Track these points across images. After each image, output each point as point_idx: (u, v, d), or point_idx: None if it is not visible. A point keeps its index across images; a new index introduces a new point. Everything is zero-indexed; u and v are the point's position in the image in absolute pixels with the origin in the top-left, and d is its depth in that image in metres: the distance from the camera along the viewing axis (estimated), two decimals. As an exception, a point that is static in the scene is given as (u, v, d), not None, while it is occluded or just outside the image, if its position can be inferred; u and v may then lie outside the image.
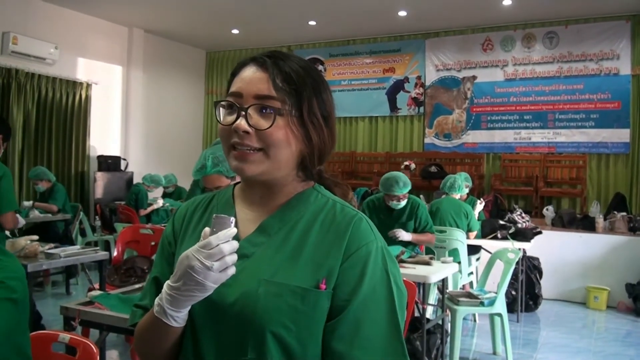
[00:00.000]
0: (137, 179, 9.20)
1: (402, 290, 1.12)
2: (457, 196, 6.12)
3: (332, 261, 1.08)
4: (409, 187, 4.81)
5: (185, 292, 1.02)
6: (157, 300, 1.08)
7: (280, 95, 1.09)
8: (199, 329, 1.11)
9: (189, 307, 1.07)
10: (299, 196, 1.17)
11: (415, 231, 4.94)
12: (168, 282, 1.05)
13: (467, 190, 6.52)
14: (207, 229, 1.03)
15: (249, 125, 1.08)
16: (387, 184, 4.77)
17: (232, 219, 1.03)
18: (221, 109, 1.15)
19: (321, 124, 1.14)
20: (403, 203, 4.84)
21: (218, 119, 1.14)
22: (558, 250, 7.09)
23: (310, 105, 1.12)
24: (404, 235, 4.79)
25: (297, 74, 1.12)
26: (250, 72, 1.12)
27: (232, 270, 1.02)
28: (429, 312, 4.76)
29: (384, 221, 4.90)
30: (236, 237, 1.03)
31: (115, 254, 5.17)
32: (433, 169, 9.22)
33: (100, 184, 9.27)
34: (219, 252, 1.00)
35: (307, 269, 1.08)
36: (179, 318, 1.06)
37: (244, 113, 1.09)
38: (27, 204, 7.06)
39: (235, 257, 1.03)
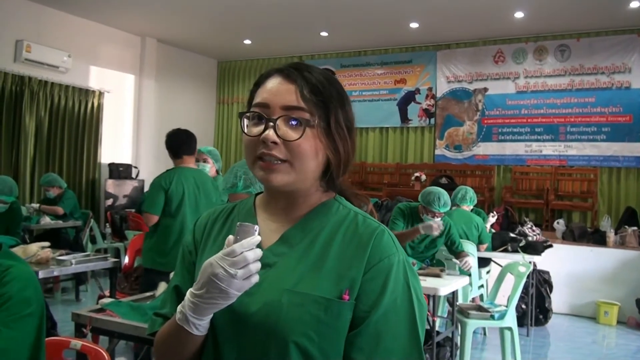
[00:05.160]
0: (147, 187, 9.23)
1: (422, 303, 1.12)
2: (468, 207, 6.08)
3: (354, 272, 1.08)
4: (448, 208, 4.78)
5: (209, 299, 1.02)
6: (179, 307, 1.08)
7: (308, 106, 1.10)
8: (220, 338, 1.11)
9: (211, 315, 1.07)
10: (321, 207, 1.17)
11: (448, 250, 4.99)
12: (191, 289, 1.05)
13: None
14: (231, 237, 1.03)
15: (278, 136, 1.08)
16: (429, 198, 4.70)
17: (256, 227, 1.03)
18: (245, 120, 1.15)
19: (346, 135, 1.14)
20: (437, 220, 4.80)
21: (243, 130, 1.14)
22: (568, 264, 7.05)
23: (337, 116, 1.13)
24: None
25: (323, 86, 1.12)
26: (276, 83, 1.12)
27: (255, 278, 1.02)
28: (439, 325, 4.74)
29: None
30: (259, 246, 1.03)
31: (125, 261, 5.18)
32: (443, 180, 9.19)
33: (111, 191, 9.30)
34: (243, 259, 1.00)
35: (330, 279, 1.08)
36: (201, 326, 1.06)
37: (272, 124, 1.09)
38: (34, 205, 7.13)
39: (259, 265, 1.03)
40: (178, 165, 4.24)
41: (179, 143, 4.28)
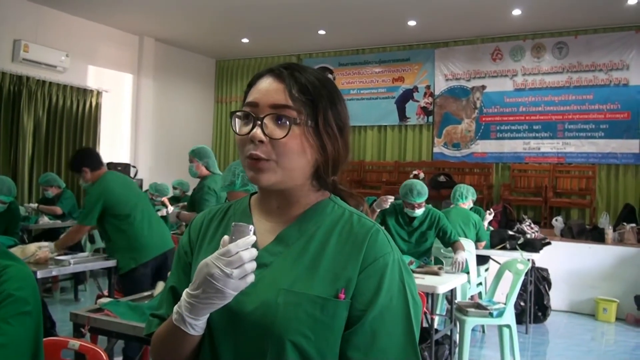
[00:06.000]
0: (146, 187, 9.22)
1: (417, 302, 1.13)
2: (464, 205, 6.09)
3: (349, 272, 1.09)
4: (424, 197, 4.88)
5: (205, 299, 1.02)
6: (175, 308, 1.08)
7: (296, 105, 1.10)
8: (217, 338, 1.11)
9: (208, 315, 1.07)
10: (316, 207, 1.18)
11: (442, 241, 5.05)
12: (187, 290, 1.06)
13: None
14: (226, 237, 1.04)
15: (264, 134, 1.09)
16: (403, 191, 4.89)
17: (251, 227, 1.04)
18: (237, 119, 1.15)
19: (336, 135, 1.14)
20: (418, 212, 4.90)
21: (234, 129, 1.15)
22: (567, 261, 7.05)
23: (326, 115, 1.13)
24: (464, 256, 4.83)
25: (313, 85, 1.13)
26: (267, 83, 1.13)
27: (251, 278, 1.03)
28: (437, 323, 4.75)
29: (403, 226, 5.04)
30: (254, 246, 1.03)
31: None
32: (442, 178, 9.21)
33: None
34: (239, 259, 1.00)
35: (326, 279, 1.09)
36: (197, 326, 1.07)
37: (259, 122, 1.09)
38: (32, 205, 7.12)
39: (254, 264, 1.03)
40: (101, 174, 4.31)
41: (94, 155, 4.45)
